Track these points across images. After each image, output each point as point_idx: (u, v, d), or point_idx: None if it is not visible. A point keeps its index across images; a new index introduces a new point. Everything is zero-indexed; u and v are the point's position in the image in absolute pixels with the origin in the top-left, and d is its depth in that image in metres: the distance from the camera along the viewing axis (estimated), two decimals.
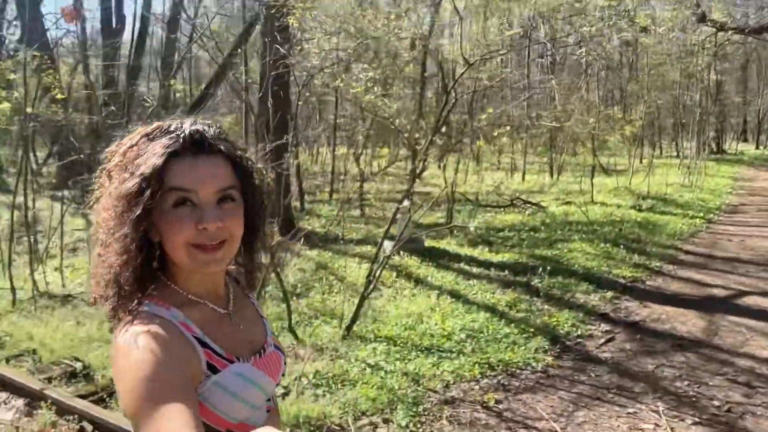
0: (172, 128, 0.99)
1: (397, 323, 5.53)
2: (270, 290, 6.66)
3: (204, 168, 0.96)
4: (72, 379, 4.15)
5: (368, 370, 4.48)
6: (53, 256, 7.49)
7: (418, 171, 6.44)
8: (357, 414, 3.74)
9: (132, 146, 0.98)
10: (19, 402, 3.78)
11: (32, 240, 6.83)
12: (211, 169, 0.97)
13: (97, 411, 3.50)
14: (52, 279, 6.67)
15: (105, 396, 3.89)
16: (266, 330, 1.18)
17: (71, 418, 3.48)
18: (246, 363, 1.06)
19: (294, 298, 6.36)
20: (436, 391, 4.16)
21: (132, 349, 0.91)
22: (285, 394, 4.01)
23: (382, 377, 4.32)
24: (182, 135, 0.97)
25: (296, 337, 5.13)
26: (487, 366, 4.56)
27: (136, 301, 0.98)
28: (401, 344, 5.01)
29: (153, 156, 0.94)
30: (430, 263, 7.54)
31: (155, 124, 1.01)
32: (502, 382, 4.35)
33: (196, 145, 0.97)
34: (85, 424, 3.44)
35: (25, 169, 7.15)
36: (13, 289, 5.94)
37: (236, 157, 1.02)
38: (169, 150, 0.95)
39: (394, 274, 7.06)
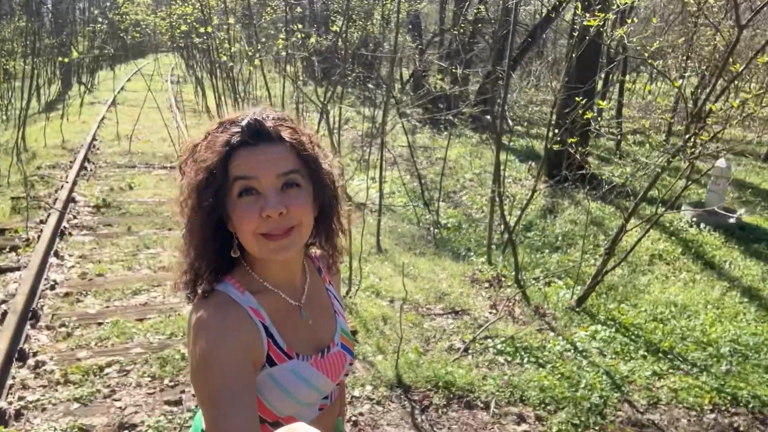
0: (236, 120, 1.00)
1: (647, 310, 4.58)
2: (532, 237, 6.26)
3: (264, 155, 0.97)
4: None
5: (570, 353, 3.86)
6: None
7: None
8: (511, 399, 3.28)
9: (201, 141, 1.02)
10: None
11: None
12: (271, 155, 0.97)
13: None
14: None
15: None
16: (337, 327, 1.18)
17: None
18: (305, 362, 1.07)
19: (546, 252, 5.84)
20: (634, 406, 3.34)
21: (204, 338, 0.95)
22: (465, 350, 3.77)
23: (579, 366, 3.68)
24: (242, 125, 0.98)
25: (523, 292, 4.73)
26: (729, 398, 3.44)
27: (214, 280, 1.04)
28: (634, 337, 4.14)
29: (217, 148, 0.97)
30: (738, 246, 5.92)
31: (224, 118, 1.03)
32: (735, 424, 3.23)
33: (256, 135, 0.98)
34: None
35: None
36: None
37: (299, 143, 1.01)
38: (231, 141, 0.97)
39: (680, 249, 5.79)
